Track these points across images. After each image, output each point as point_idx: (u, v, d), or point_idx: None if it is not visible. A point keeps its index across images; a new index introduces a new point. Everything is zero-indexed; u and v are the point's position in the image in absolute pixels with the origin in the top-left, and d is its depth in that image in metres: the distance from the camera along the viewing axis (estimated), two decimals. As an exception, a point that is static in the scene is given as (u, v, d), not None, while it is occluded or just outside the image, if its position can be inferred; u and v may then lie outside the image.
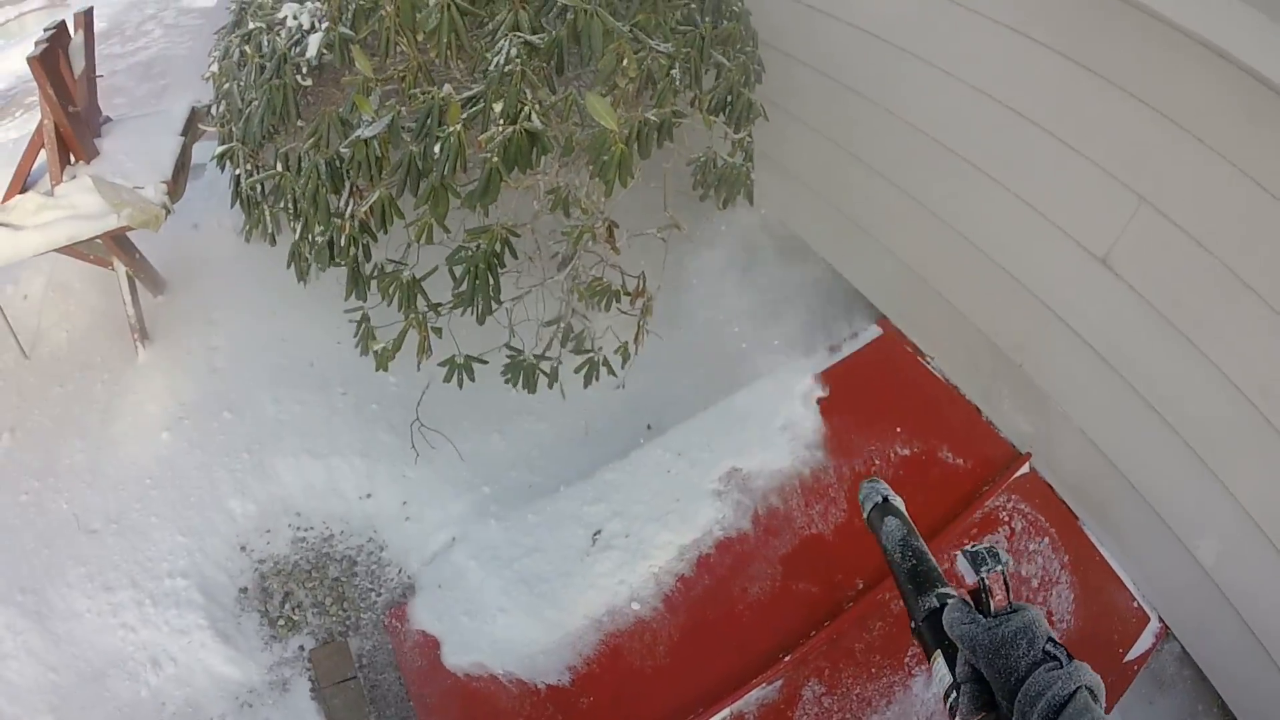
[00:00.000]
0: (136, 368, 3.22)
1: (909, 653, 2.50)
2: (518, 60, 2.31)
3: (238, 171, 3.08)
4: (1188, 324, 2.34)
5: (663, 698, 2.45)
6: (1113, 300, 2.48)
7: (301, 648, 2.76)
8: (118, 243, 3.06)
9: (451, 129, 2.33)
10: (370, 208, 2.60)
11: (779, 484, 2.77)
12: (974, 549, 1.11)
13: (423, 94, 2.43)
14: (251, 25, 2.99)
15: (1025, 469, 2.79)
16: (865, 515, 1.64)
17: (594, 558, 2.69)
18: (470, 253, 2.58)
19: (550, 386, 2.78)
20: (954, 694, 1.09)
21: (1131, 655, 2.63)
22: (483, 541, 2.79)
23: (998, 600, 1.06)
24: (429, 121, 2.36)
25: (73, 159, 3.04)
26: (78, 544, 2.84)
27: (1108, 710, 2.42)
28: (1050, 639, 1.02)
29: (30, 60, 2.76)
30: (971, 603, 1.10)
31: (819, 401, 2.89)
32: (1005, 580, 1.07)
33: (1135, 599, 2.73)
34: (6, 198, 2.95)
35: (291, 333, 3.23)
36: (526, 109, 2.32)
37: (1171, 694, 2.77)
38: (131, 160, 3.16)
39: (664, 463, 2.89)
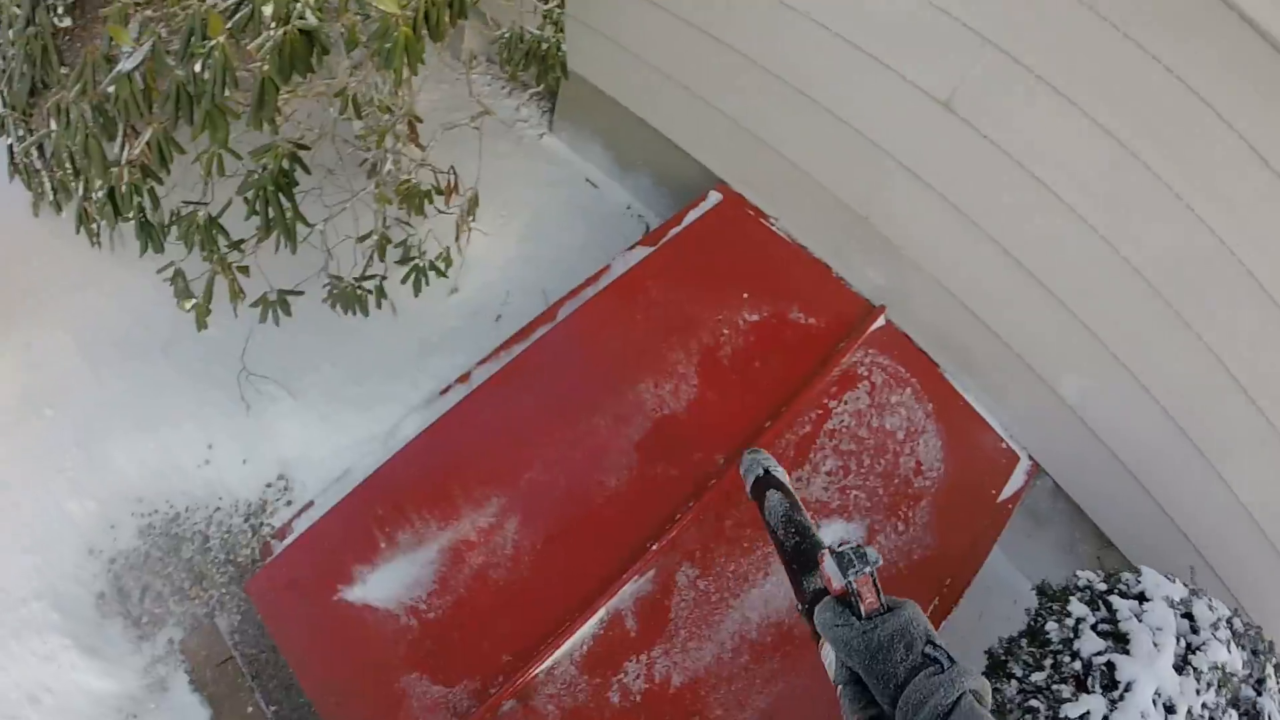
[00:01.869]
0: None
1: (779, 520, 2.44)
2: None
3: (9, 140, 2.81)
4: (1035, 163, 2.28)
5: (537, 608, 2.35)
6: (959, 145, 2.41)
7: (171, 641, 2.61)
8: None
9: (213, 42, 2.09)
10: (147, 147, 2.37)
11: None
12: (840, 550, 1.10)
13: (183, 9, 2.19)
14: None
15: (881, 322, 2.71)
16: (747, 489, 1.70)
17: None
18: (258, 176, 2.38)
19: (379, 306, 2.61)
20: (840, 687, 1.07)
21: (1005, 494, 2.65)
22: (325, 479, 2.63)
23: (868, 603, 1.04)
24: (191, 40, 2.12)
25: None
26: None
27: (987, 551, 2.36)
28: (929, 640, 0.99)
29: None
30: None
31: (660, 275, 2.76)
32: (874, 581, 1.06)
33: (1004, 440, 2.73)
34: None
35: (105, 304, 2.95)
36: (299, 6, 2.09)
37: (1049, 527, 2.80)
38: None
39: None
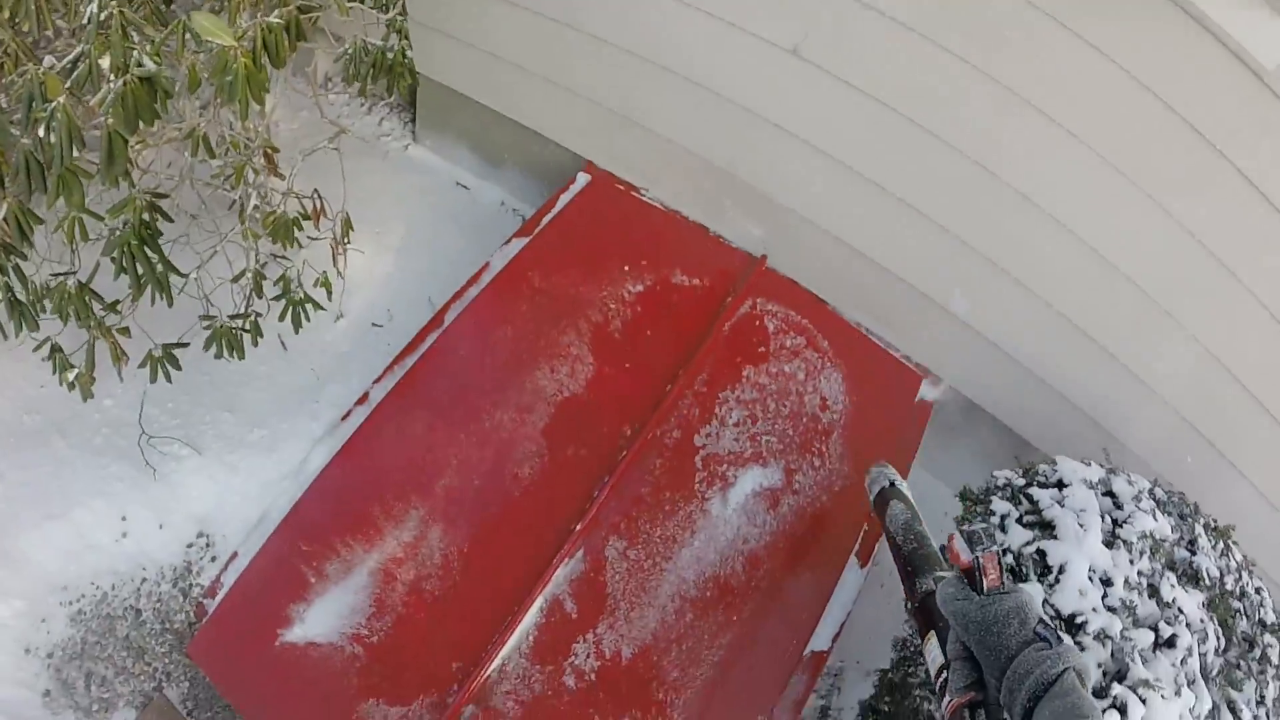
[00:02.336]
0: None
1: (696, 479, 2.49)
2: (113, 3, 2.03)
3: None
4: (886, 94, 2.37)
5: (476, 610, 2.37)
6: (811, 89, 2.48)
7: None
8: None
9: (54, 103, 2.03)
10: (4, 223, 2.30)
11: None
12: (970, 529, 1.15)
13: (19, 76, 2.13)
14: None
15: (764, 270, 2.77)
16: (871, 499, 1.81)
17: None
18: (119, 233, 2.33)
19: (255, 344, 2.59)
20: (945, 672, 1.15)
21: (914, 413, 2.72)
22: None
23: (991, 579, 1.10)
24: (33, 105, 2.06)
25: None
26: None
27: (905, 470, 2.45)
28: (1042, 620, 1.06)
29: None
30: (967, 581, 1.14)
31: (540, 264, 2.79)
32: (1000, 561, 1.11)
33: (905, 362, 2.80)
34: None
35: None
36: (135, 54, 2.05)
37: (965, 438, 2.89)
38: None
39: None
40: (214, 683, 2.51)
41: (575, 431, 2.53)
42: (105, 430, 2.76)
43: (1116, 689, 1.79)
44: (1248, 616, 2.16)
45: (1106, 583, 1.96)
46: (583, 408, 2.56)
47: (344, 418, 2.66)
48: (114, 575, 2.69)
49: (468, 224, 3.19)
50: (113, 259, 2.37)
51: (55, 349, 2.55)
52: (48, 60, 2.03)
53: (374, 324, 2.98)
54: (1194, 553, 2.17)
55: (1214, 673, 2.03)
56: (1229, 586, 2.16)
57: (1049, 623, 1.07)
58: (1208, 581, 2.12)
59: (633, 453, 2.46)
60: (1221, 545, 2.25)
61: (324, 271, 2.67)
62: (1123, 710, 1.75)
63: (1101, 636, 1.88)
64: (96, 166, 2.19)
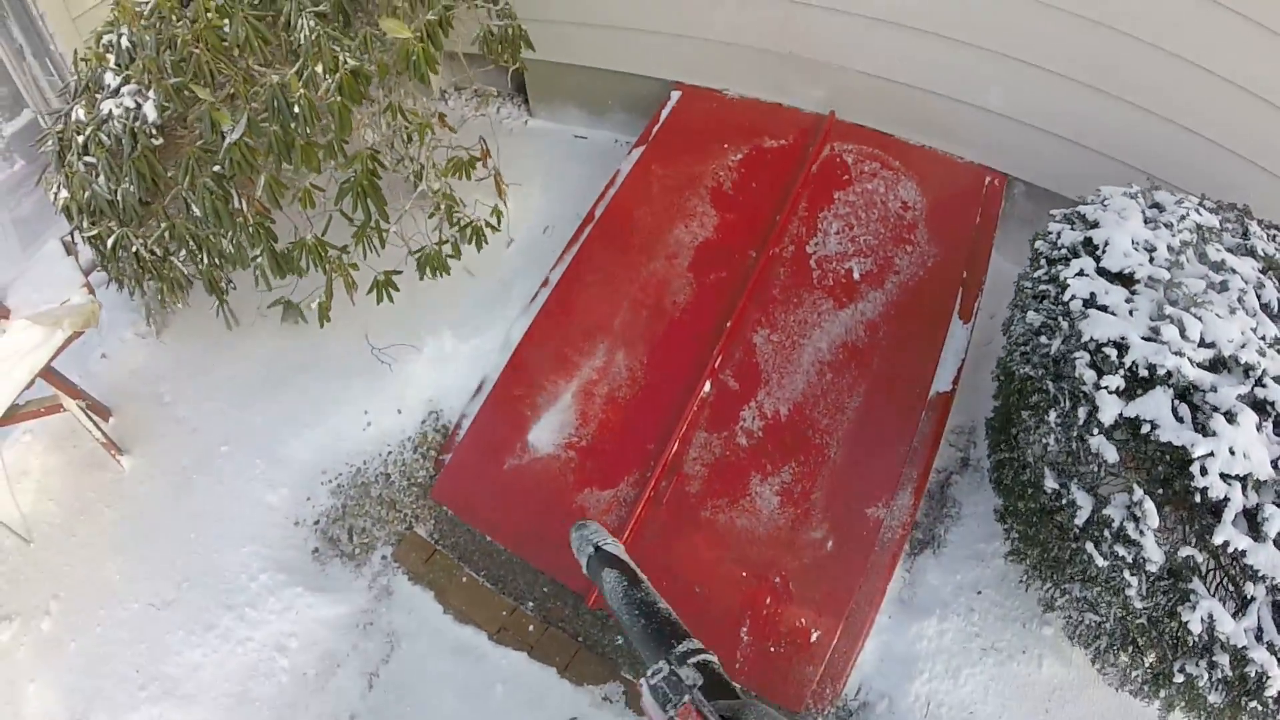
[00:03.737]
0: (127, 476, 3.53)
1: (813, 275, 3.08)
2: (316, 29, 2.89)
3: (135, 248, 3.47)
4: None
5: (659, 404, 2.97)
6: None
7: (384, 557, 3.15)
8: (62, 383, 3.32)
9: (299, 94, 2.88)
10: (259, 197, 3.12)
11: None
12: (654, 682, 1.11)
13: (263, 87, 2.99)
14: (81, 137, 3.25)
15: (834, 121, 3.42)
16: (583, 570, 1.59)
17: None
18: (352, 181, 3.12)
19: (458, 258, 3.33)
20: None
21: (986, 212, 3.22)
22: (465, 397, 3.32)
23: None
24: (275, 103, 2.91)
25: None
26: (162, 620, 3.12)
27: (989, 239, 2.85)
28: None
29: None
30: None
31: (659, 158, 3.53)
32: (697, 706, 1.03)
33: (968, 165, 3.35)
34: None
35: (243, 365, 3.65)
36: (340, 56, 2.90)
37: (1035, 224, 3.34)
38: (40, 293, 3.43)
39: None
40: (457, 514, 3.12)
41: (713, 263, 3.18)
42: (340, 359, 3.50)
43: (1170, 310, 2.03)
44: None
45: (1150, 248, 2.24)
46: (715, 247, 3.22)
47: (531, 300, 3.36)
48: (363, 455, 3.35)
49: (592, 161, 3.96)
50: (342, 210, 3.15)
51: (287, 303, 3.33)
52: (274, 76, 2.86)
53: (544, 229, 3.73)
54: (1247, 238, 2.38)
55: (1276, 311, 2.22)
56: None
57: None
58: (1262, 254, 2.33)
59: (759, 267, 3.08)
60: (1277, 234, 2.43)
61: (494, 205, 3.43)
62: (1182, 328, 1.99)
63: (1149, 282, 2.13)
64: (319, 146, 2.99)
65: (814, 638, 2.55)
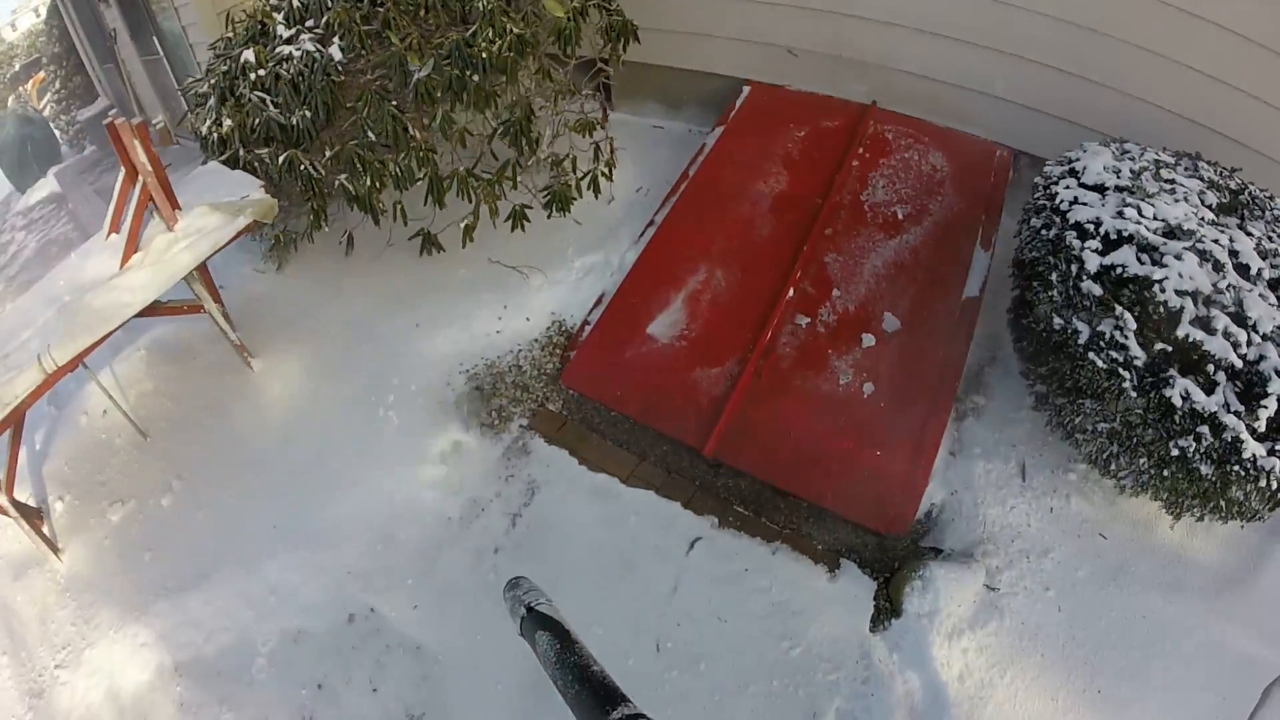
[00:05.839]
0: (258, 375, 4.05)
1: (867, 215, 4.03)
2: (491, 2, 3.76)
3: (304, 166, 4.05)
4: None
5: (753, 304, 3.80)
6: None
7: (521, 426, 3.78)
8: (208, 286, 3.78)
9: (483, 46, 3.71)
10: (433, 123, 3.85)
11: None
12: None
13: (445, 39, 3.79)
14: (253, 75, 3.88)
15: (876, 109, 4.46)
16: (517, 630, 1.57)
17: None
18: (510, 122, 3.94)
19: (579, 196, 4.17)
20: None
21: (998, 176, 4.21)
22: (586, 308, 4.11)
23: None
24: (457, 53, 3.73)
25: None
26: (302, 482, 3.62)
27: (1002, 191, 3.93)
28: None
29: (118, 126, 3.28)
30: None
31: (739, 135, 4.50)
32: None
33: (983, 141, 4.35)
34: (124, 261, 3.41)
35: (359, 295, 4.31)
36: (508, 25, 3.77)
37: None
38: (214, 195, 3.66)
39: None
40: (585, 391, 3.81)
41: (787, 207, 4.12)
42: (469, 281, 4.24)
43: (1130, 200, 2.89)
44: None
45: (1117, 171, 3.12)
46: (788, 196, 4.18)
47: (640, 235, 4.21)
48: (497, 350, 4.02)
49: (671, 145, 4.91)
50: (499, 132, 3.97)
51: (423, 232, 4.11)
52: (453, 34, 3.73)
53: (638, 190, 4.61)
54: (1197, 171, 3.23)
55: (1214, 207, 3.11)
56: (1233, 187, 3.15)
57: None
58: (1206, 178, 3.15)
59: (825, 210, 4.03)
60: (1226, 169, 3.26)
61: (606, 159, 4.31)
62: (1139, 210, 2.92)
63: (1116, 189, 3.01)
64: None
65: (890, 470, 3.32)
